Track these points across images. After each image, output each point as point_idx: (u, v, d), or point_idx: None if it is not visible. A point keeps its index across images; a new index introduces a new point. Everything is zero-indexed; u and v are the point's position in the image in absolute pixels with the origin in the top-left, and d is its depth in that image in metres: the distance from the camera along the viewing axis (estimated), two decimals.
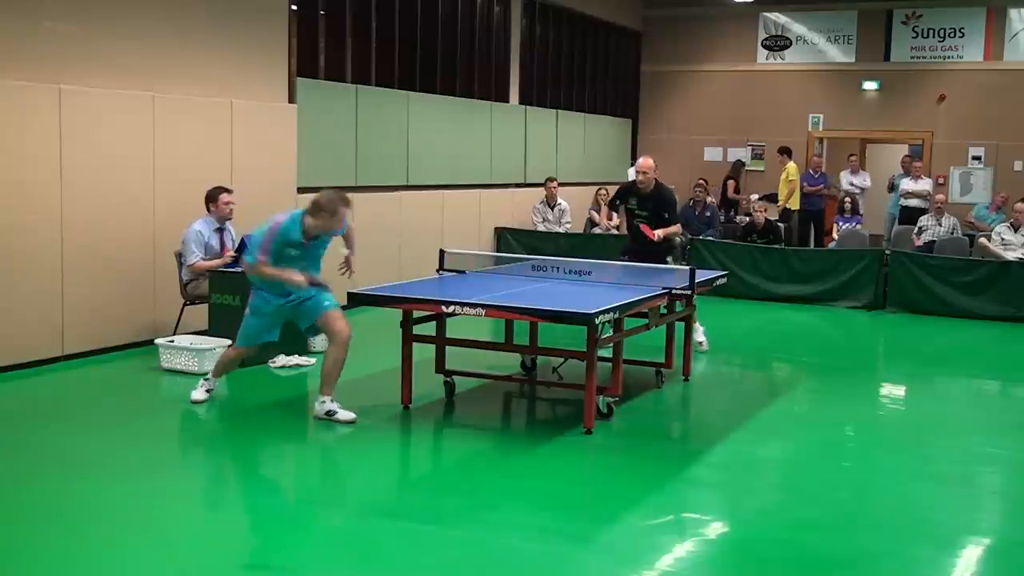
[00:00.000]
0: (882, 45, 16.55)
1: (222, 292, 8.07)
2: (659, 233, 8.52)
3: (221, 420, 6.99)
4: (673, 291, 7.09)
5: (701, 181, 15.13)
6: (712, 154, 17.60)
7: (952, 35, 16.10)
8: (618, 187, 9.28)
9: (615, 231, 9.20)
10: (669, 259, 8.74)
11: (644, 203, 8.70)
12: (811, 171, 15.60)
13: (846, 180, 15.52)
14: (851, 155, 16.20)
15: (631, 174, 16.97)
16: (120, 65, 8.38)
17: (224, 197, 8.44)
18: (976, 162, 16.14)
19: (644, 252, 8.57)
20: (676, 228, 8.89)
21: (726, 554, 4.76)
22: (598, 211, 14.75)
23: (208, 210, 8.46)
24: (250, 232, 8.31)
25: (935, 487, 5.79)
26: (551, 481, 5.63)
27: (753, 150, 17.41)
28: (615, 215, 9.27)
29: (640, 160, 8.83)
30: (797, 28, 17.04)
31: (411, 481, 5.87)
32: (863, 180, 15.60)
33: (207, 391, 6.91)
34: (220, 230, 8.52)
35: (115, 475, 5.47)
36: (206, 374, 7.16)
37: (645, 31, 17.99)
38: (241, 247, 8.25)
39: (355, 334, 6.66)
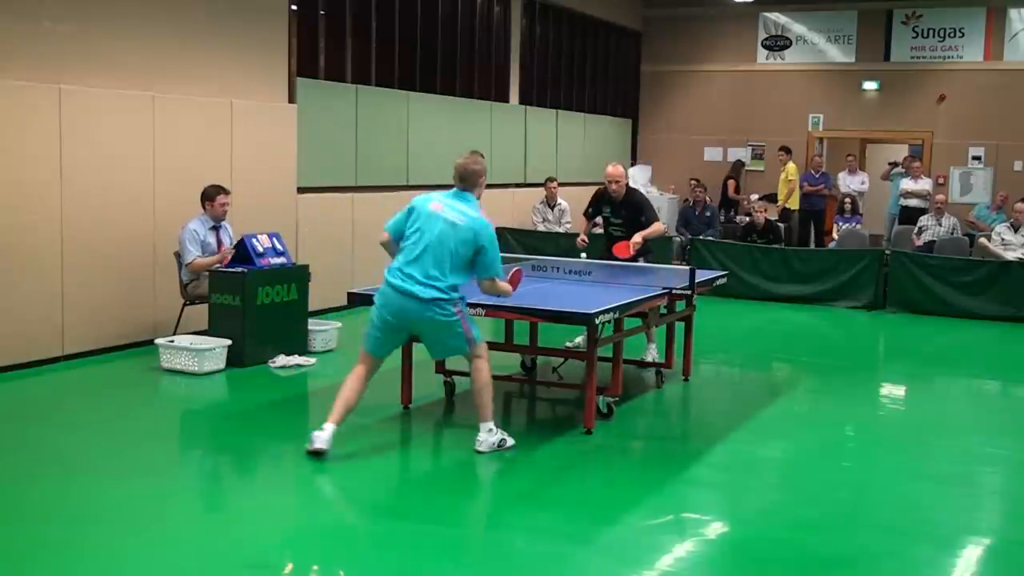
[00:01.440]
0: (882, 45, 16.55)
1: (222, 292, 8.07)
2: (636, 240, 8.24)
3: (221, 420, 7.00)
4: (673, 291, 7.09)
5: (693, 180, 15.13)
6: (712, 154, 17.60)
7: (952, 35, 16.11)
8: (592, 196, 8.79)
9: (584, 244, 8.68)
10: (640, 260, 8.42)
11: (618, 211, 8.44)
12: (812, 171, 15.61)
13: (844, 181, 15.53)
14: (848, 155, 16.21)
15: (631, 174, 17.01)
16: (120, 65, 8.38)
17: (220, 199, 8.44)
18: (976, 162, 16.15)
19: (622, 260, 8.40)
20: (657, 228, 8.45)
21: (726, 554, 4.76)
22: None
23: (204, 208, 8.46)
24: (250, 232, 8.37)
25: (935, 487, 5.79)
26: (551, 481, 5.63)
27: (753, 150, 17.41)
28: (583, 231, 8.74)
29: (608, 168, 8.45)
30: (797, 28, 17.04)
31: (411, 481, 5.87)
32: (860, 182, 15.60)
33: None
34: (216, 228, 8.52)
35: (115, 475, 5.46)
36: (210, 373, 7.09)
37: (645, 31, 17.99)
38: (239, 246, 8.27)
39: (355, 334, 6.66)
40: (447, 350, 6.10)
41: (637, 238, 8.22)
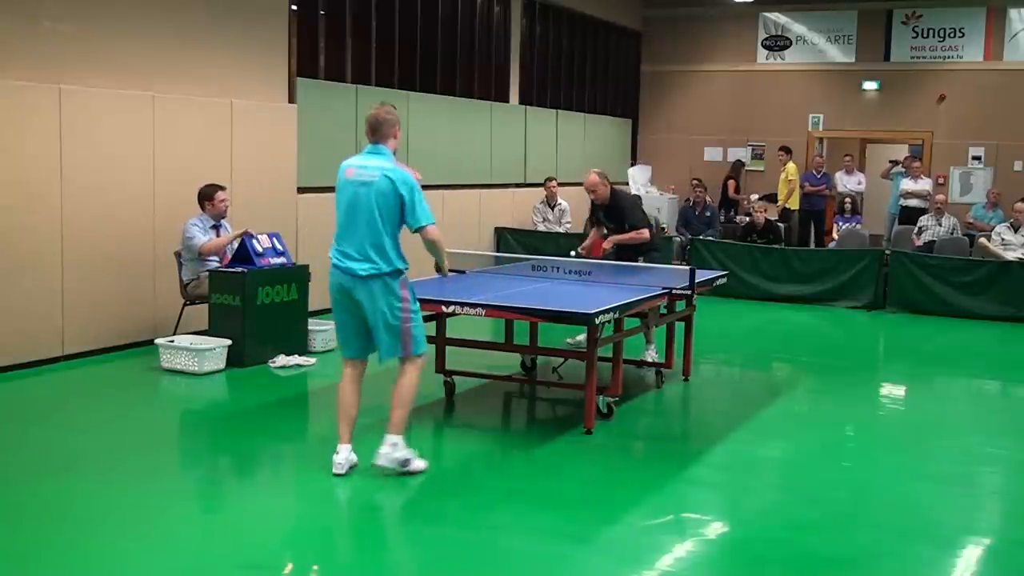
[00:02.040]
0: (882, 45, 16.55)
1: (222, 292, 8.07)
2: (607, 246, 8.39)
3: (221, 420, 6.99)
4: (673, 291, 7.09)
5: (695, 180, 15.14)
6: (712, 154, 17.60)
7: (952, 35, 16.11)
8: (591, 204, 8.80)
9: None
10: (654, 259, 8.46)
11: (608, 216, 8.49)
12: (813, 171, 15.61)
13: (841, 181, 15.53)
14: (846, 155, 16.20)
15: (632, 174, 17.03)
16: (120, 65, 8.38)
17: (220, 195, 8.45)
18: (976, 162, 16.15)
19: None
20: (637, 236, 8.25)
21: (726, 554, 4.76)
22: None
23: (203, 208, 8.46)
24: (251, 233, 8.37)
25: (935, 487, 5.79)
26: (551, 481, 5.63)
27: (753, 150, 17.41)
28: (590, 239, 8.85)
29: (585, 179, 8.49)
30: (797, 28, 17.04)
31: (411, 481, 5.87)
32: (857, 182, 15.60)
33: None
34: (216, 227, 8.52)
35: (115, 475, 5.46)
36: (210, 373, 7.05)
37: (645, 31, 17.99)
38: (241, 247, 8.27)
39: None
40: (386, 341, 5.43)
41: (607, 244, 8.36)
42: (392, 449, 5.41)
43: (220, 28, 9.29)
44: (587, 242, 8.85)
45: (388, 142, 5.53)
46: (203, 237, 8.34)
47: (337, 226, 5.53)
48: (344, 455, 5.48)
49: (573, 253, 8.68)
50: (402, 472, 5.43)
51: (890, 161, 16.10)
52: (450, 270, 7.92)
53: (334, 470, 5.44)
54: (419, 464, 5.50)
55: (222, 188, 8.52)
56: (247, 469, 5.96)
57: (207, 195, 8.44)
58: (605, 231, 8.58)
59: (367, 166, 5.46)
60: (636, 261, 8.22)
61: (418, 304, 5.62)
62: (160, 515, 4.95)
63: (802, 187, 15.27)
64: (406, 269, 5.50)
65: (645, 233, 8.37)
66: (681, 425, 7.33)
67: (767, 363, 9.42)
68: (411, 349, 5.47)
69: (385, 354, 5.49)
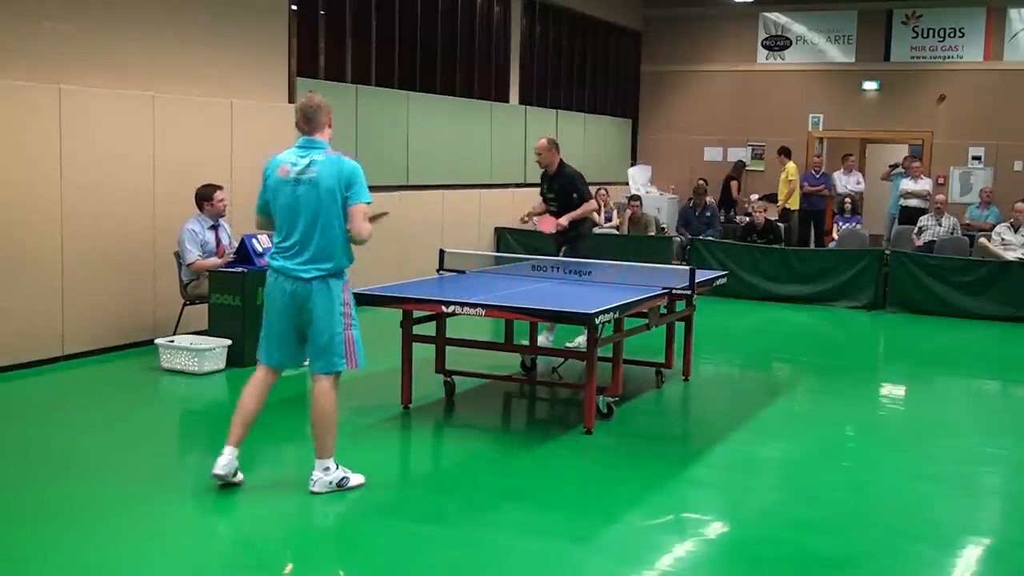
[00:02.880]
0: (882, 45, 16.56)
1: (222, 292, 8.07)
2: (563, 222, 8.47)
3: (221, 420, 6.98)
4: (673, 291, 7.09)
5: (702, 180, 15.15)
6: (712, 154, 17.60)
7: (952, 35, 16.11)
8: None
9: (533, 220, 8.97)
10: (563, 250, 8.59)
11: (552, 186, 8.67)
12: (812, 171, 15.61)
13: (840, 181, 15.54)
14: (845, 155, 16.20)
15: (632, 174, 17.03)
16: (120, 65, 8.38)
17: (218, 195, 8.46)
18: (976, 162, 16.15)
19: (557, 243, 8.63)
20: (587, 207, 8.58)
21: (726, 554, 4.76)
22: (598, 211, 14.74)
23: (201, 209, 8.46)
24: (252, 233, 8.36)
25: (935, 487, 5.79)
26: (551, 481, 5.63)
27: (753, 150, 17.42)
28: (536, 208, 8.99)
29: (536, 144, 8.71)
30: (797, 28, 17.05)
31: (411, 481, 5.87)
32: (856, 182, 15.60)
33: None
34: (215, 227, 8.52)
35: (115, 475, 5.46)
36: (210, 373, 7.00)
37: (645, 31, 17.99)
38: (241, 247, 8.26)
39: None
40: (324, 350, 5.10)
41: (564, 220, 8.42)
42: (325, 474, 5.18)
43: (220, 28, 9.29)
44: (537, 210, 8.88)
45: (324, 132, 5.20)
46: (196, 252, 8.33)
47: (277, 226, 5.14)
48: (228, 458, 5.14)
49: (523, 218, 8.93)
50: (341, 490, 5.19)
51: (889, 165, 16.08)
52: (450, 270, 7.96)
53: (214, 470, 5.11)
54: (357, 479, 5.27)
55: (220, 188, 8.52)
56: (247, 469, 5.94)
57: (205, 196, 8.44)
58: (547, 203, 8.72)
59: (302, 163, 5.07)
60: (576, 243, 8.47)
61: (357, 310, 5.26)
62: (160, 515, 4.94)
63: (801, 187, 15.26)
64: (349, 266, 5.17)
65: (593, 203, 8.81)
66: (681, 425, 7.33)
67: (767, 363, 9.42)
68: (356, 361, 5.17)
69: (322, 367, 5.12)
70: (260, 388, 5.28)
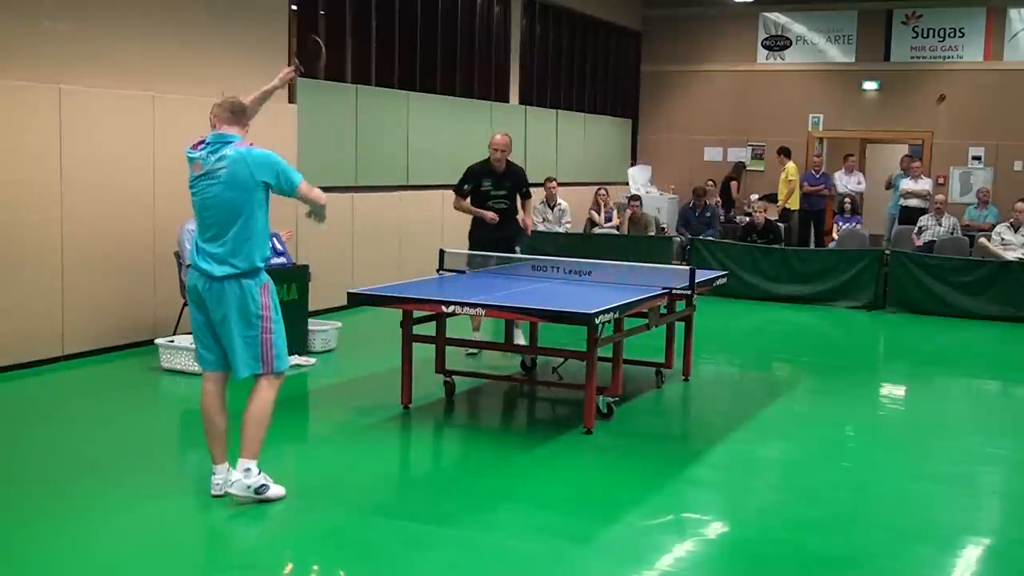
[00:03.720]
0: (882, 45, 16.55)
1: None
2: (528, 223, 8.77)
3: None
4: (673, 291, 7.09)
5: (710, 182, 15.17)
6: (712, 154, 17.60)
7: (952, 35, 16.11)
8: (465, 172, 8.75)
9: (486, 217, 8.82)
10: (518, 248, 8.62)
11: (500, 183, 8.55)
12: (812, 171, 15.61)
13: (840, 181, 15.54)
14: (846, 155, 16.20)
15: (632, 174, 17.04)
16: (120, 65, 8.38)
17: None
18: (976, 162, 16.15)
19: (496, 239, 8.55)
20: (531, 201, 8.99)
21: (726, 554, 4.76)
22: (598, 211, 14.76)
23: None
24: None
25: (935, 487, 5.79)
26: (551, 481, 5.63)
27: (753, 150, 17.41)
28: (467, 206, 8.81)
29: (497, 136, 8.57)
30: (797, 28, 17.04)
31: (411, 481, 5.87)
32: (857, 182, 15.60)
33: None
34: None
35: (115, 475, 5.46)
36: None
37: (645, 31, 17.99)
38: None
39: (355, 334, 6.65)
40: (241, 353, 4.97)
41: (528, 221, 8.76)
42: (245, 476, 4.96)
43: (220, 28, 9.29)
44: (486, 215, 8.67)
45: (242, 130, 5.05)
46: None
47: (196, 222, 5.07)
48: (221, 476, 5.07)
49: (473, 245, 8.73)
50: (258, 500, 4.97)
51: (888, 178, 15.96)
52: (450, 270, 7.96)
53: (212, 491, 5.08)
54: (276, 491, 5.03)
55: None
56: None
57: None
58: (490, 200, 8.59)
59: (212, 159, 4.91)
60: (513, 249, 8.50)
61: (280, 313, 5.08)
62: (160, 515, 4.94)
63: (801, 187, 15.26)
64: (264, 266, 5.03)
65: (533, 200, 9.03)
66: (681, 425, 7.33)
67: (767, 363, 9.42)
68: (272, 365, 5.02)
69: (242, 370, 4.97)
70: (214, 399, 5.12)
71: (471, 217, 8.74)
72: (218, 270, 4.89)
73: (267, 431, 5.07)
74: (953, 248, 12.67)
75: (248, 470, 4.98)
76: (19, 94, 7.59)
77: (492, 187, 8.57)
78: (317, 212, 5.21)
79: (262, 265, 5.00)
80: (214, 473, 5.11)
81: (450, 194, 9.02)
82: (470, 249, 8.55)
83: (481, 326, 8.74)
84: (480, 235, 8.67)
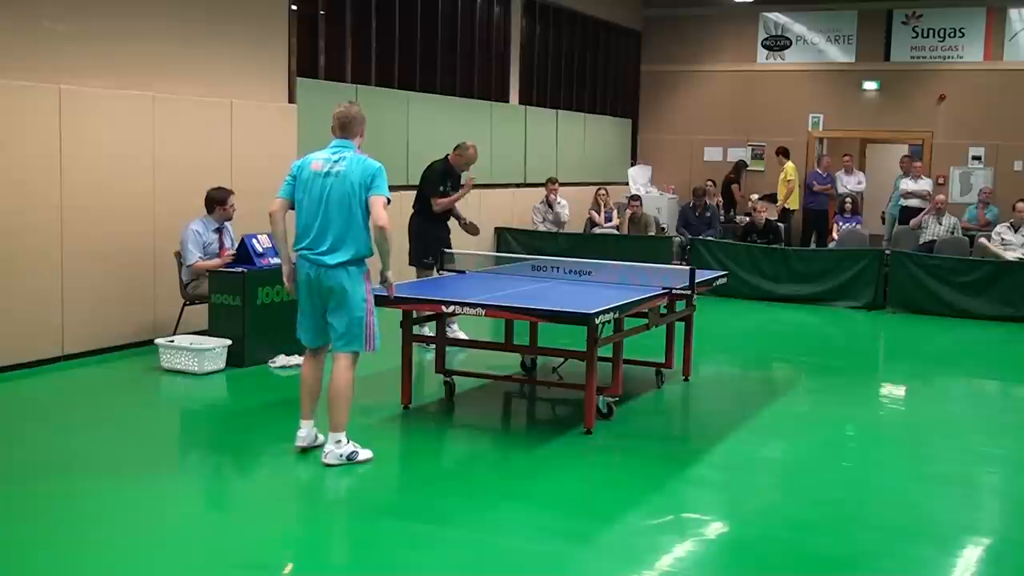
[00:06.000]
0: (882, 45, 16.55)
1: (222, 292, 8.07)
2: (471, 221, 9.08)
3: (221, 420, 7.00)
4: (673, 291, 7.09)
5: (709, 183, 15.18)
6: (712, 154, 17.60)
7: (952, 35, 16.10)
8: (436, 174, 8.97)
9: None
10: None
11: (456, 184, 9.00)
12: (819, 171, 15.62)
13: (841, 181, 15.54)
14: (845, 155, 16.20)
15: (632, 174, 17.03)
16: (120, 65, 8.38)
17: (231, 200, 8.49)
18: (976, 162, 16.14)
19: (445, 239, 8.89)
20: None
21: (726, 554, 4.76)
22: (598, 211, 14.76)
23: (211, 211, 8.46)
24: (253, 233, 8.36)
25: (935, 487, 5.79)
26: (551, 481, 5.63)
27: (753, 150, 17.41)
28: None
29: (472, 151, 8.97)
30: (797, 28, 17.04)
31: (411, 481, 5.87)
32: (857, 182, 15.59)
33: None
34: (219, 230, 8.53)
35: (115, 475, 5.46)
36: (210, 373, 7.10)
37: (645, 31, 17.99)
38: (241, 247, 8.27)
39: None
40: (345, 333, 5.59)
41: (471, 222, 9.09)
42: (337, 446, 5.60)
43: (220, 28, 9.29)
44: (469, 221, 9.15)
45: (356, 139, 5.71)
46: (197, 254, 8.34)
47: (301, 219, 5.65)
48: (307, 430, 5.79)
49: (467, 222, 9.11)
50: (351, 463, 5.60)
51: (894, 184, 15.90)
52: (450, 270, 7.96)
53: (296, 443, 5.77)
54: (365, 454, 5.67)
55: (232, 192, 8.53)
56: (247, 469, 5.96)
57: (220, 200, 8.44)
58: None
59: (334, 159, 5.59)
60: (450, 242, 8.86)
61: (371, 290, 5.71)
62: (160, 515, 4.95)
63: (811, 187, 15.26)
64: (369, 257, 5.63)
65: None
66: (681, 425, 7.33)
67: (767, 363, 9.42)
68: (373, 344, 5.67)
69: (343, 347, 5.63)
70: (313, 365, 5.82)
71: (426, 216, 8.97)
72: (330, 259, 5.51)
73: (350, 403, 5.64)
74: (953, 248, 12.67)
75: (339, 441, 5.61)
76: (19, 94, 7.59)
77: (451, 188, 8.94)
78: (374, 221, 5.54)
79: (367, 255, 5.61)
80: (300, 428, 5.79)
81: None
82: (421, 250, 8.87)
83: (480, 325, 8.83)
84: (435, 235, 8.89)
